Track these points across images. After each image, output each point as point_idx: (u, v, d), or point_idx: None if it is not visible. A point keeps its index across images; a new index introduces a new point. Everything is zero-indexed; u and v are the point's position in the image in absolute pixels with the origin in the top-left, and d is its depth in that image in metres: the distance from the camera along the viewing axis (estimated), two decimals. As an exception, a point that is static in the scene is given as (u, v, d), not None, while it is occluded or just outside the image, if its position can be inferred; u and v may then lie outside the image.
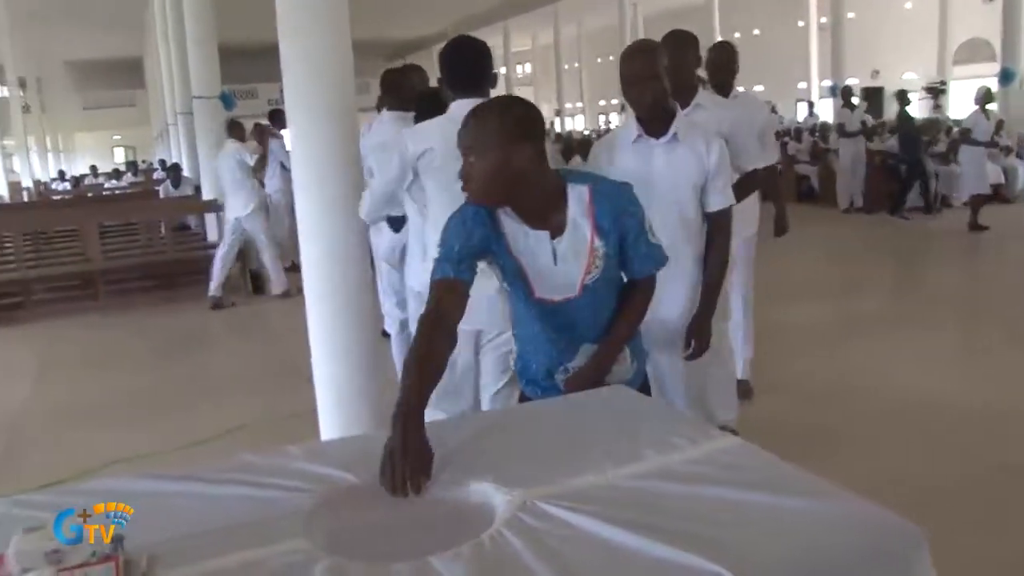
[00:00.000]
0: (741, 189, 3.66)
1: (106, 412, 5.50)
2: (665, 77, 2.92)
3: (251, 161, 8.69)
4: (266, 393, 5.56)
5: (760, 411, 4.66)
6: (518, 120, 2.09)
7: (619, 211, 2.20)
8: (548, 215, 2.17)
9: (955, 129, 13.77)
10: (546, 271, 2.20)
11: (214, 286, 8.73)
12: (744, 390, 4.82)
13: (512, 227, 2.18)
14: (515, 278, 2.24)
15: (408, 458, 1.67)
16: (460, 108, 2.78)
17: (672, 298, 2.94)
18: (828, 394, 4.98)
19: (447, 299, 2.07)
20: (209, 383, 6.09)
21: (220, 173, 8.96)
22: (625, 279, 2.35)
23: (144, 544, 1.39)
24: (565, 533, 1.42)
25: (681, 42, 3.69)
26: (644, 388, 2.50)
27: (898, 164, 12.95)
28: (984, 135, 10.77)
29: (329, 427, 3.94)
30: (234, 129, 9.02)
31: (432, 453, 1.72)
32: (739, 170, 3.73)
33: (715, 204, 2.99)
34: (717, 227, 3.03)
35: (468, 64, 3.08)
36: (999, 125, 11.76)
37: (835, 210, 13.12)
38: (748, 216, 4.65)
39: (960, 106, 15.07)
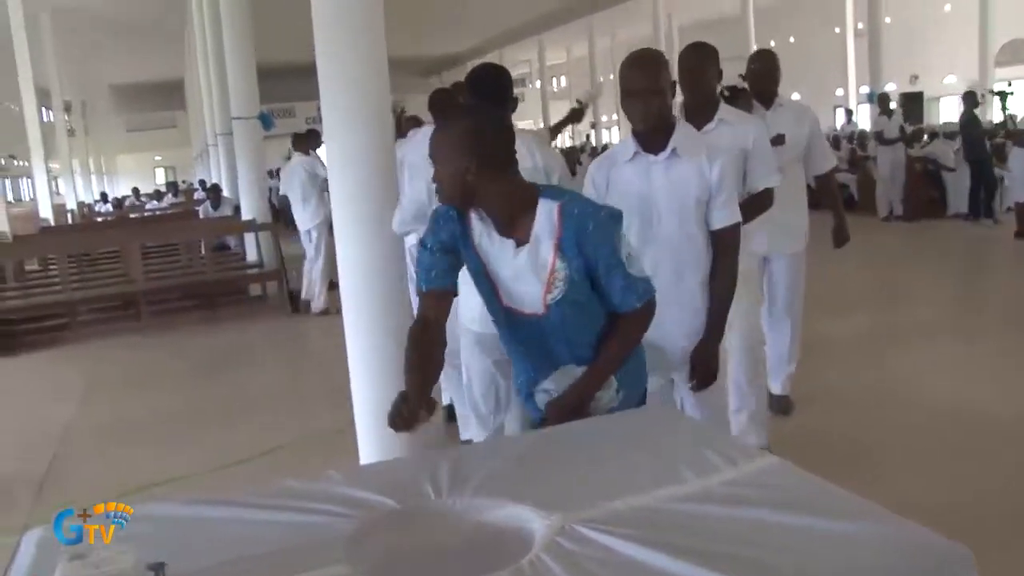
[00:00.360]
0: (751, 209, 3.43)
1: (149, 432, 5.57)
2: (668, 91, 2.73)
3: (324, 172, 8.77)
4: (307, 413, 5.60)
5: (801, 425, 4.60)
6: (465, 134, 2.13)
7: (583, 237, 2.11)
8: (516, 225, 2.17)
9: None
10: (509, 280, 2.21)
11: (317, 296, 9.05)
12: (784, 405, 4.75)
13: (480, 228, 2.21)
14: (480, 278, 2.26)
15: (408, 403, 1.92)
16: None
17: (677, 323, 2.75)
18: (869, 406, 4.90)
19: (430, 309, 2.21)
20: (250, 403, 6.15)
21: (288, 186, 9.19)
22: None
23: (187, 570, 1.41)
24: (604, 557, 1.42)
25: (701, 55, 3.53)
26: None
27: (938, 170, 12.80)
28: None
29: (368, 447, 3.96)
30: (299, 142, 9.13)
31: (435, 400, 1.97)
32: (750, 192, 3.51)
33: (719, 221, 2.76)
34: (722, 246, 2.79)
35: (490, 87, 3.23)
36: None
37: (875, 218, 12.95)
38: (795, 231, 4.53)
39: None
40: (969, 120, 12.12)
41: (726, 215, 2.77)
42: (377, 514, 1.67)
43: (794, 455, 1.83)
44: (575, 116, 6.29)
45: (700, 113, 3.46)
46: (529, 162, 2.27)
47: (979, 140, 12.08)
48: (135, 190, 25.91)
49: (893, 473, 3.87)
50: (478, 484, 1.74)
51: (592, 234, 2.11)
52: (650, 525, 1.50)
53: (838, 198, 5.11)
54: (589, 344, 2.25)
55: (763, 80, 4.51)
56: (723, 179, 2.74)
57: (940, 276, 9.12)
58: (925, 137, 13.98)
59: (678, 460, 1.77)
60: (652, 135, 2.76)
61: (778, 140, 4.12)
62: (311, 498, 1.72)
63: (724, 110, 3.56)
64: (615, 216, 2.18)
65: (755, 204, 3.52)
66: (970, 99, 12.14)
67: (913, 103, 21.98)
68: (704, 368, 2.80)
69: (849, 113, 20.39)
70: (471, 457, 1.87)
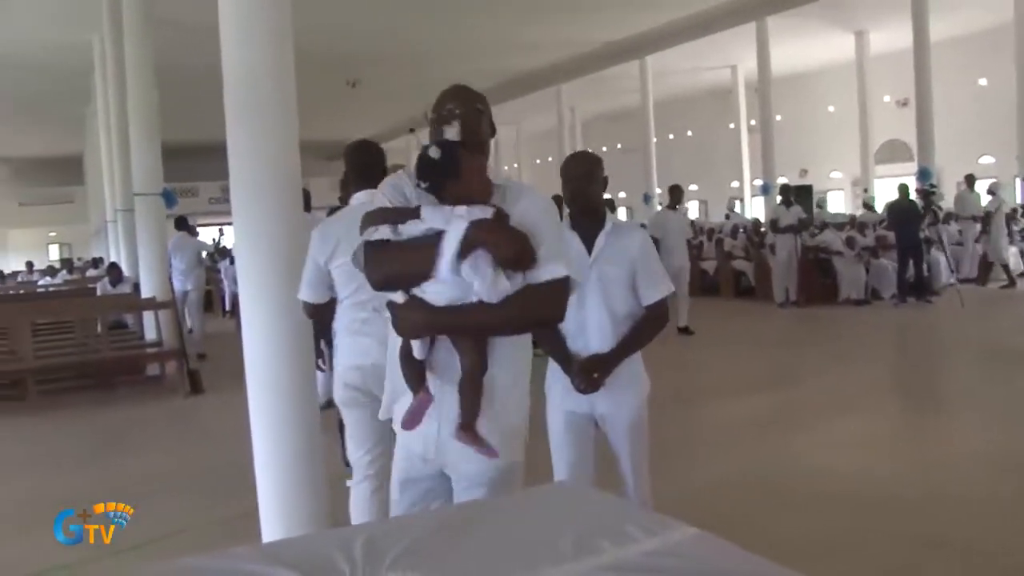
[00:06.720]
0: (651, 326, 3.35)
1: (32, 518, 5.25)
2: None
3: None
4: (207, 496, 5.39)
5: (712, 508, 4.65)
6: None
7: None
8: None
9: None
10: None
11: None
12: None
13: None
14: None
15: None
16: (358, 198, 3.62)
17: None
18: (774, 486, 5.01)
19: None
20: (145, 486, 5.87)
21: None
22: None
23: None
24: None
25: (588, 163, 3.40)
26: None
27: (829, 258, 13.45)
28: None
29: (271, 527, 3.85)
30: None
31: None
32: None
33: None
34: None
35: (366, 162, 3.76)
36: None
37: (772, 304, 13.43)
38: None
39: (883, 201, 15.92)
40: (906, 209, 12.88)
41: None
42: (290, 591, 1.62)
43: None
44: None
45: (588, 219, 3.34)
46: None
47: (914, 228, 12.79)
48: (29, 264, 25.00)
49: (804, 549, 3.95)
50: (394, 559, 1.71)
51: None
52: (570, 596, 1.50)
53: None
54: None
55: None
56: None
57: (841, 358, 9.45)
58: (816, 228, 14.70)
59: (596, 532, 1.77)
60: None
61: None
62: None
63: (612, 218, 3.41)
64: None
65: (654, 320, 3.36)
66: (904, 189, 12.99)
67: (803, 196, 23.12)
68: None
69: (739, 203, 21.22)
70: (385, 532, 1.84)
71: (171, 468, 6.40)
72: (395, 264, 2.21)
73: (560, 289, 2.23)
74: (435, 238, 2.15)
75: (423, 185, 2.24)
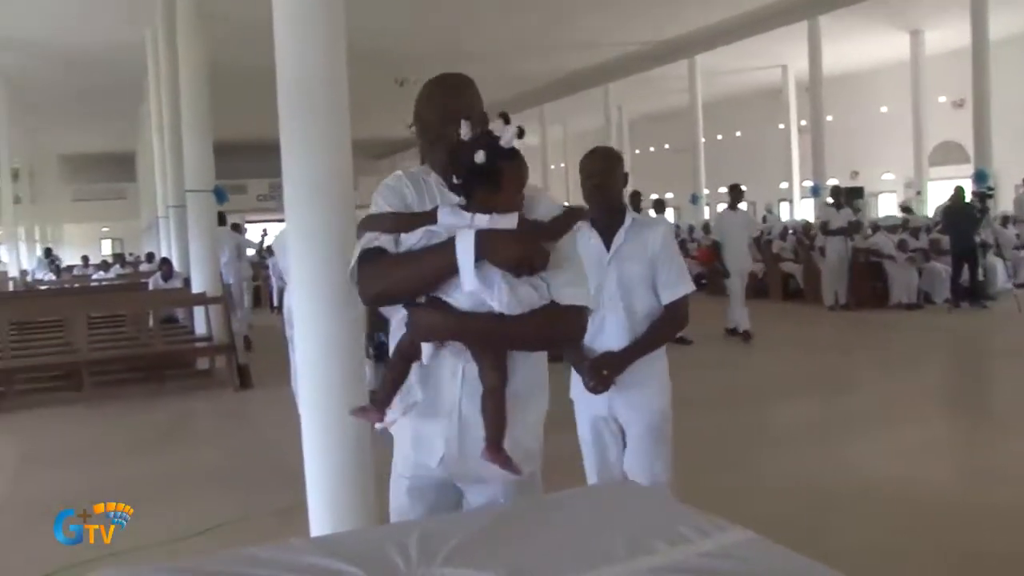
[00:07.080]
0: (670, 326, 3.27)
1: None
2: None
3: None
4: (253, 490, 5.46)
5: (758, 512, 4.61)
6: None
7: None
8: None
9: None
10: None
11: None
12: None
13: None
14: None
15: None
16: None
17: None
18: (825, 491, 4.94)
19: None
20: (194, 478, 5.98)
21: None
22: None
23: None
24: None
25: (608, 159, 3.33)
26: None
27: (880, 261, 13.22)
28: None
29: (320, 521, 3.88)
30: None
31: None
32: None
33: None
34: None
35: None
36: None
37: (821, 307, 13.24)
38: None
39: (935, 204, 15.65)
40: (961, 212, 12.61)
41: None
42: (346, 584, 1.63)
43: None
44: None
45: (608, 216, 3.29)
46: None
47: (968, 231, 12.51)
48: (85, 258, 25.54)
49: (854, 555, 3.89)
50: (447, 555, 1.71)
51: None
52: (625, 596, 1.49)
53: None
54: None
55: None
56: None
57: (892, 364, 9.29)
58: (868, 230, 14.46)
59: (648, 532, 1.76)
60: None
61: None
62: (279, 567, 1.67)
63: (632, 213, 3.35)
64: None
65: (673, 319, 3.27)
66: (959, 192, 12.72)
67: (853, 197, 22.81)
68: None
69: (789, 207, 20.96)
70: (439, 528, 1.84)
71: (219, 461, 6.50)
72: (386, 280, 1.98)
73: (583, 312, 2.09)
74: (432, 249, 1.95)
75: (456, 181, 1.99)
